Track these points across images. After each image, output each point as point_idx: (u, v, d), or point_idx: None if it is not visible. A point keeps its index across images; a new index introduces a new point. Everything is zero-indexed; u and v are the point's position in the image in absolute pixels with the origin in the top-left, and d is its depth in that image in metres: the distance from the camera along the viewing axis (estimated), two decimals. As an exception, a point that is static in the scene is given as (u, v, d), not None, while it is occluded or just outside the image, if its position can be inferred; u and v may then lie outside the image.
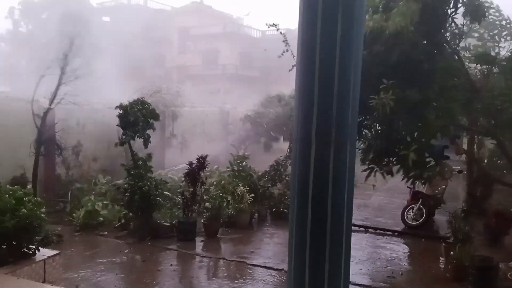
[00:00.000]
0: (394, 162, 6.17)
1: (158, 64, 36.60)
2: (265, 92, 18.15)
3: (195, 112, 17.51)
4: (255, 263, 6.83)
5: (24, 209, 4.71)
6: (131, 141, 8.45)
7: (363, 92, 5.49)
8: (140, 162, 8.10)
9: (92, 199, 8.71)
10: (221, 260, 7.03)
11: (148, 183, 7.83)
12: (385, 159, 6.20)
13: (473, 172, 9.67)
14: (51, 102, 9.38)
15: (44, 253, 5.05)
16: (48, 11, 34.39)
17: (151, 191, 7.80)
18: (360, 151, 6.43)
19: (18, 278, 4.48)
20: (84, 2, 36.38)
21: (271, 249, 7.78)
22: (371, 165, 6.25)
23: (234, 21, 40.72)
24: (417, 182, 9.40)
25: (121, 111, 8.20)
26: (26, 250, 4.86)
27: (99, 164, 11.35)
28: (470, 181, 9.93)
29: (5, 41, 36.77)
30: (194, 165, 8.16)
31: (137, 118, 8.13)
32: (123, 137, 8.17)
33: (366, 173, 6.36)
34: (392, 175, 6.38)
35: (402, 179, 6.42)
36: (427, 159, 5.94)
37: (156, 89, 14.02)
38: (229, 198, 8.82)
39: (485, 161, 9.85)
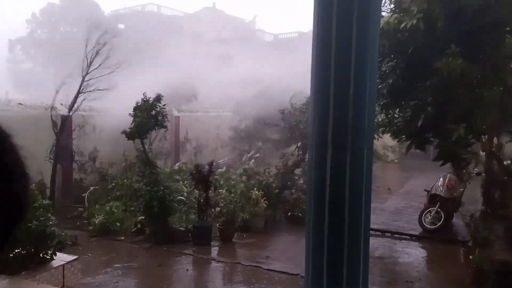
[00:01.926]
0: (432, 139, 5.87)
1: (171, 69, 36.93)
2: (278, 95, 18.11)
3: (209, 117, 17.61)
4: (271, 268, 6.80)
5: (35, 219, 4.78)
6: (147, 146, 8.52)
7: (425, 52, 4.81)
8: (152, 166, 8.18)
9: (108, 206, 8.79)
10: (237, 264, 7.02)
11: (163, 188, 7.90)
12: (426, 134, 5.90)
13: (492, 174, 9.48)
14: (70, 109, 9.55)
15: (63, 258, 5.12)
16: (66, 19, 35.09)
17: (166, 196, 7.86)
18: (399, 120, 6.10)
19: (38, 283, 4.55)
20: (98, 9, 37.07)
21: (286, 254, 7.74)
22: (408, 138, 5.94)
23: (247, 25, 40.92)
24: (434, 185, 9.31)
25: (134, 112, 8.27)
26: (44, 256, 4.94)
27: (116, 169, 11.47)
28: (489, 184, 9.73)
29: (23, 49, 37.60)
30: (203, 171, 8.21)
31: (146, 118, 8.17)
32: (130, 128, 8.13)
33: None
34: (424, 150, 6.06)
35: (435, 159, 6.07)
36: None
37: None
38: (243, 202, 8.81)
39: (506, 162, 9.64)
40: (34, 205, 5.01)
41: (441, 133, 5.66)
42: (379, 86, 6.09)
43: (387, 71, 6.03)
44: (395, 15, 5.32)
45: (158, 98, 8.34)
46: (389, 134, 6.58)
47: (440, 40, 5.29)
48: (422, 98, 5.72)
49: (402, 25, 5.22)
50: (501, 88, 5.53)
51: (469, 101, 5.35)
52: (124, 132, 8.25)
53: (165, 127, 8.71)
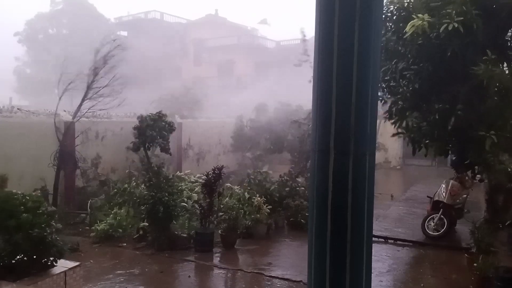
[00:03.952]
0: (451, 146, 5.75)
1: (174, 76, 37.14)
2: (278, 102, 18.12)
3: (211, 123, 17.63)
4: (273, 275, 6.78)
5: (39, 226, 4.79)
6: (149, 151, 8.59)
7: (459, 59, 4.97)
8: (159, 175, 8.23)
9: (111, 213, 8.79)
10: (239, 271, 6.99)
11: (167, 194, 7.90)
12: (452, 139, 5.77)
13: (495, 181, 9.43)
14: (75, 116, 9.59)
15: (65, 264, 5.11)
16: (68, 26, 35.34)
17: (169, 202, 7.86)
18: (423, 124, 5.93)
19: (39, 290, 4.54)
20: (102, 18, 37.31)
21: (289, 260, 7.71)
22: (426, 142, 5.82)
23: (249, 32, 41.12)
24: (437, 192, 9.28)
25: (138, 123, 8.40)
26: (46, 262, 4.93)
27: (118, 175, 11.49)
28: (492, 190, 9.69)
29: (24, 56, 37.84)
30: (210, 176, 8.21)
31: (153, 130, 8.32)
32: (137, 141, 8.32)
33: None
34: (446, 155, 5.93)
35: (453, 164, 5.96)
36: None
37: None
38: (245, 208, 8.79)
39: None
40: (38, 211, 5.02)
41: (469, 139, 5.56)
42: (400, 90, 5.95)
43: (407, 75, 5.86)
44: (426, 17, 5.11)
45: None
46: (400, 138, 6.47)
47: (476, 44, 5.19)
48: (451, 102, 5.58)
49: (443, 28, 5.01)
50: None
51: (502, 109, 5.25)
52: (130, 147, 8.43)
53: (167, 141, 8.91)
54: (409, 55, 5.75)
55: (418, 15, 5.21)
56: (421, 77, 5.74)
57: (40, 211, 5.04)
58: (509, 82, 4.95)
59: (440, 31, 5.06)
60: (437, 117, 5.70)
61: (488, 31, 5.18)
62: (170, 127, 8.83)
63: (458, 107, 5.41)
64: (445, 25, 4.99)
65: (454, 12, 5.05)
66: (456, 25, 4.96)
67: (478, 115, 5.42)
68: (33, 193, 5.65)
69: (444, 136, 5.72)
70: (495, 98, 5.15)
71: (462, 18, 4.96)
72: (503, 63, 5.04)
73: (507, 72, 5.04)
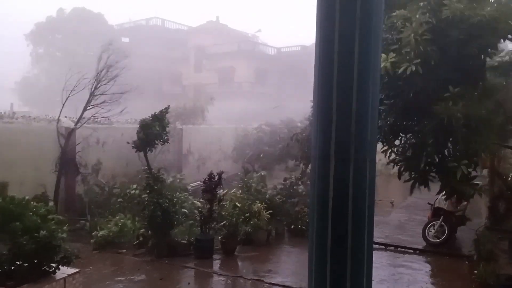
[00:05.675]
0: (435, 175, 5.88)
1: (175, 82, 37.25)
2: (280, 108, 18.15)
3: (212, 130, 17.65)
4: (273, 282, 6.74)
5: (45, 230, 4.79)
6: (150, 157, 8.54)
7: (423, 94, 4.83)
8: (158, 175, 8.22)
9: (112, 219, 8.76)
10: (239, 278, 6.96)
11: (167, 200, 7.88)
12: (429, 172, 5.89)
13: (496, 188, 9.43)
14: (77, 122, 9.62)
15: (64, 271, 5.09)
16: (71, 32, 35.47)
17: (170, 208, 7.83)
18: (399, 156, 6.10)
19: (38, 296, 4.52)
20: (105, 23, 37.44)
21: (289, 267, 7.68)
22: (414, 175, 5.94)
23: (250, 39, 41.26)
24: (437, 199, 9.27)
25: (139, 128, 8.38)
26: (46, 269, 4.92)
27: (118, 181, 11.47)
28: (493, 197, 9.68)
29: (26, 62, 37.97)
30: (210, 181, 8.17)
31: (154, 130, 8.29)
32: (138, 141, 8.27)
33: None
34: (427, 187, 6.09)
35: (439, 192, 6.12)
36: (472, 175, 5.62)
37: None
38: (246, 215, 8.76)
39: (509, 176, 9.60)
40: (48, 217, 5.02)
41: (443, 171, 5.66)
42: (379, 124, 6.09)
43: (382, 110, 6.04)
44: (391, 56, 5.26)
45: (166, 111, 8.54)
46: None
47: (438, 81, 5.30)
48: (422, 137, 5.72)
49: (401, 70, 5.17)
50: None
51: (469, 142, 5.35)
52: (133, 142, 8.39)
53: (167, 141, 8.81)
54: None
55: (382, 54, 5.36)
56: (394, 112, 5.90)
57: (50, 217, 5.05)
58: (474, 112, 5.03)
59: (399, 73, 5.22)
60: (410, 153, 5.85)
61: (446, 68, 5.31)
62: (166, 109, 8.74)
63: (429, 143, 5.52)
64: (403, 67, 5.13)
65: (412, 53, 5.20)
66: (414, 68, 5.10)
67: (448, 148, 5.56)
68: (50, 205, 5.70)
69: (421, 171, 5.83)
70: (463, 130, 5.25)
71: (419, 60, 5.10)
72: (469, 95, 5.13)
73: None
